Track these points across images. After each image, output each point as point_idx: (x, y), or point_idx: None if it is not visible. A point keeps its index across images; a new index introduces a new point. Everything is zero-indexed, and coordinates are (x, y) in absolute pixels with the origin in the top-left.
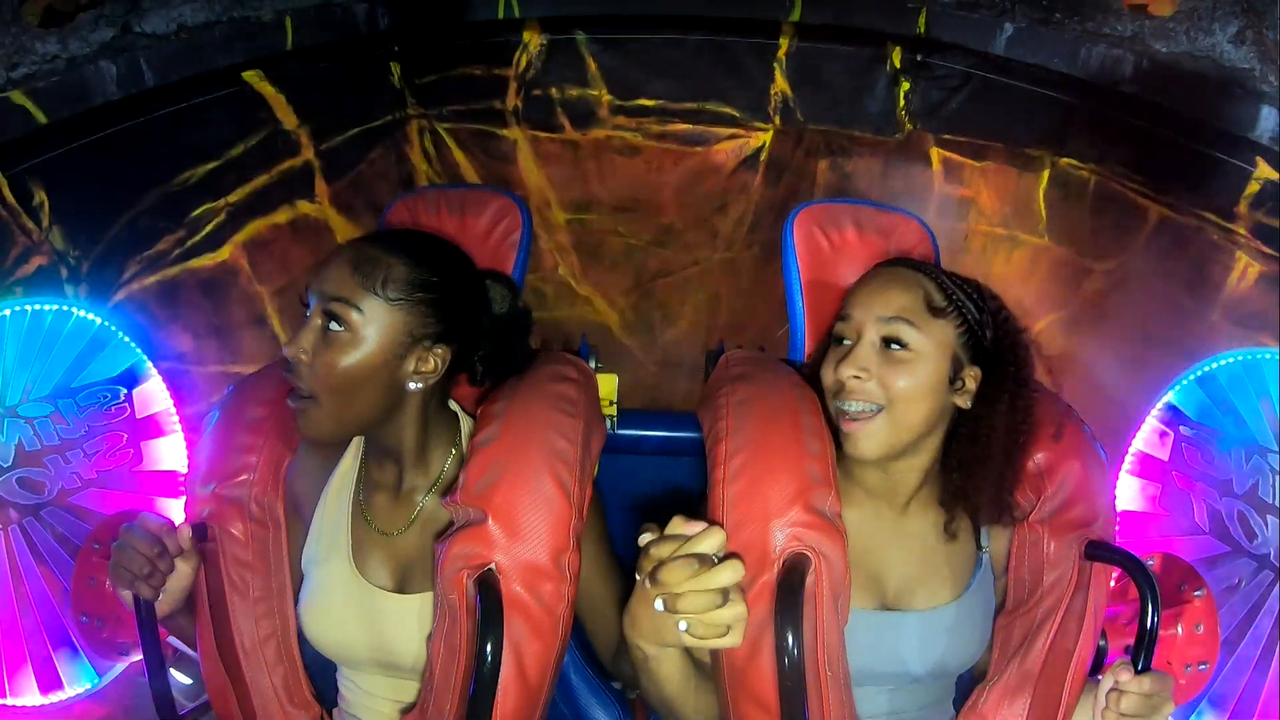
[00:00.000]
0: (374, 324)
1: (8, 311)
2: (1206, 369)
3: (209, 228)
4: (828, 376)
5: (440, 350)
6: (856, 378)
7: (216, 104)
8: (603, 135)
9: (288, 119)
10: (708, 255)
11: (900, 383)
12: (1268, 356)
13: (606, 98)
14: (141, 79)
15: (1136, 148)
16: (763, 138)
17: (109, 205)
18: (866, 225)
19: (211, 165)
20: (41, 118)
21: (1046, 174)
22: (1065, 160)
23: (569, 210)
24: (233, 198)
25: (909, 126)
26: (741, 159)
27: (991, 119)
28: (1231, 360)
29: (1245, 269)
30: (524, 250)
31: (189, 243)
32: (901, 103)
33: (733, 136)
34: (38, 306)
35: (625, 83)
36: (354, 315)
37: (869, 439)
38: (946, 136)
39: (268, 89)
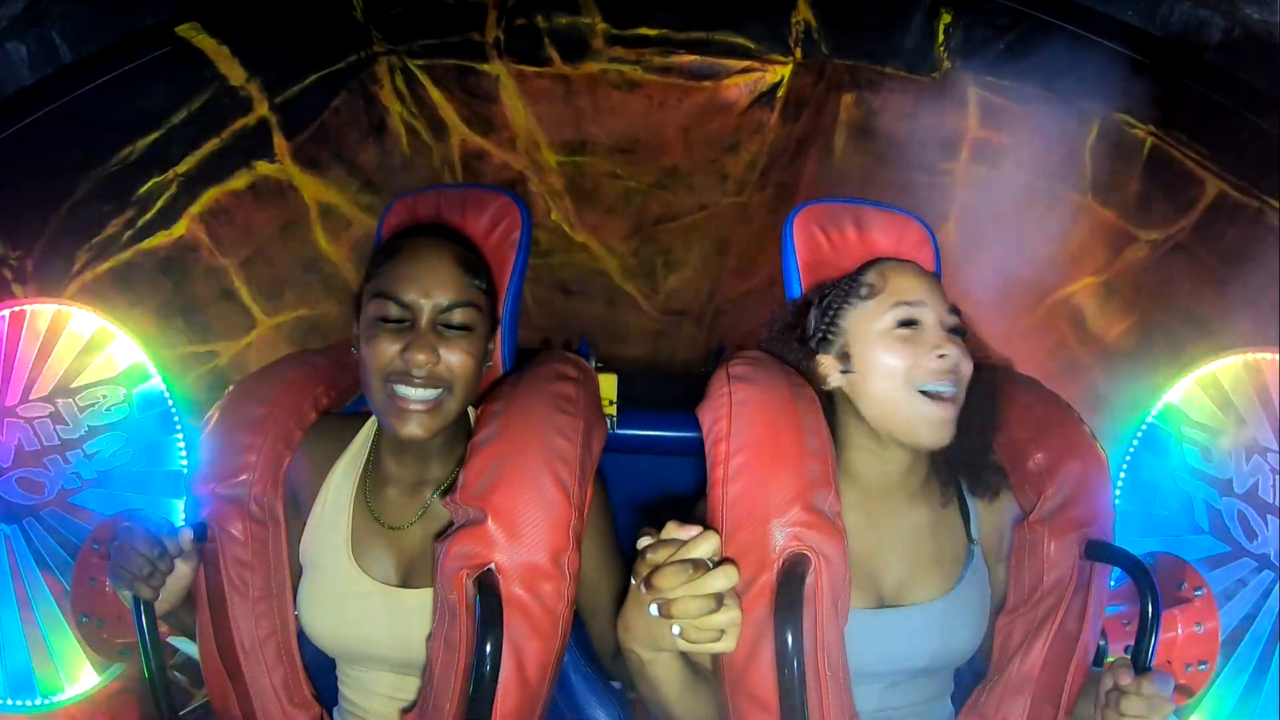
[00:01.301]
0: (483, 314)
1: (8, 311)
2: (1207, 369)
3: (160, 204)
4: (919, 360)
5: (495, 329)
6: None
7: (150, 67)
8: (597, 69)
9: (234, 73)
10: (716, 199)
11: (969, 369)
12: (1268, 357)
13: (601, 26)
14: (56, 55)
15: (1205, 116)
16: (781, 71)
17: (45, 197)
18: (867, 225)
19: (153, 136)
20: None
21: (1096, 127)
22: (1120, 116)
23: (561, 152)
24: (182, 168)
25: (946, 64)
26: (756, 95)
27: (1043, 65)
28: (1231, 360)
29: None
30: (524, 250)
31: (140, 222)
32: (941, 38)
33: (746, 70)
34: (38, 305)
35: (623, 9)
36: (474, 313)
37: (949, 426)
38: (989, 79)
39: (207, 42)
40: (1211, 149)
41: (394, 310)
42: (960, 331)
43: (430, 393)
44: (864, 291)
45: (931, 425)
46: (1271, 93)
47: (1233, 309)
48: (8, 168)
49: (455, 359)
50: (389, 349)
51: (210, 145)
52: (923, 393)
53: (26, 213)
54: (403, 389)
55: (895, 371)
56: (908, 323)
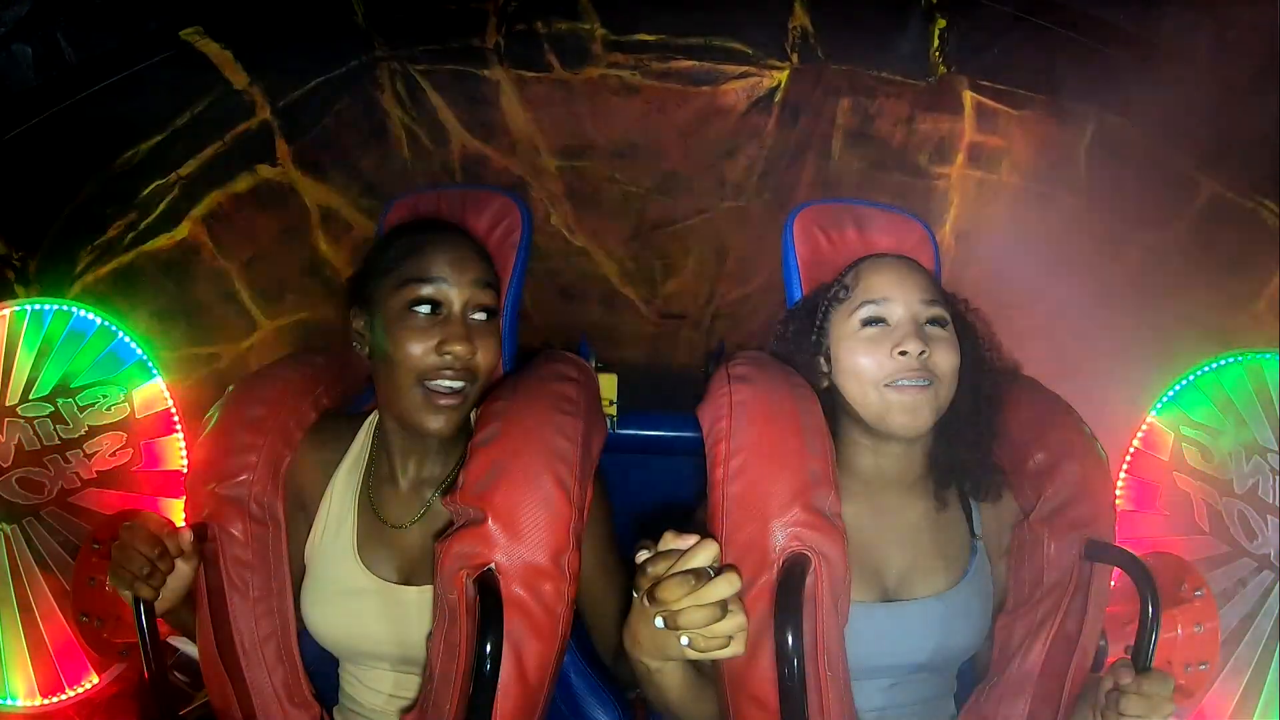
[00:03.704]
0: (499, 304)
1: (8, 310)
2: (1207, 368)
3: (162, 206)
4: (883, 360)
5: None
6: (923, 353)
7: (154, 71)
8: (597, 74)
9: (236, 77)
10: (714, 203)
11: (946, 360)
12: (1268, 357)
13: (600, 32)
14: (61, 57)
15: (1200, 118)
16: (778, 77)
17: (48, 198)
18: (866, 225)
19: (157, 139)
20: None
21: (1090, 130)
22: (1114, 118)
23: (560, 157)
24: (184, 171)
25: (942, 69)
26: (753, 100)
27: (1037, 69)
28: (1232, 360)
29: None
30: (524, 250)
31: (142, 225)
32: (936, 43)
33: (744, 75)
34: (38, 305)
35: (622, 15)
36: (496, 299)
37: (923, 413)
38: (984, 82)
39: (211, 46)
40: (1205, 150)
41: (429, 292)
42: (940, 322)
43: (460, 384)
44: (842, 293)
45: (901, 414)
46: (1263, 92)
47: (1229, 308)
48: (12, 169)
49: (485, 352)
50: (423, 344)
51: (213, 149)
52: (888, 387)
53: (30, 214)
54: (437, 383)
55: (862, 372)
56: (874, 321)
